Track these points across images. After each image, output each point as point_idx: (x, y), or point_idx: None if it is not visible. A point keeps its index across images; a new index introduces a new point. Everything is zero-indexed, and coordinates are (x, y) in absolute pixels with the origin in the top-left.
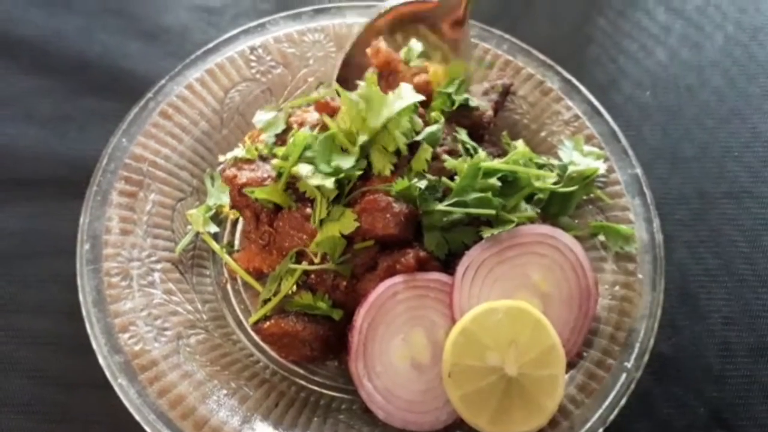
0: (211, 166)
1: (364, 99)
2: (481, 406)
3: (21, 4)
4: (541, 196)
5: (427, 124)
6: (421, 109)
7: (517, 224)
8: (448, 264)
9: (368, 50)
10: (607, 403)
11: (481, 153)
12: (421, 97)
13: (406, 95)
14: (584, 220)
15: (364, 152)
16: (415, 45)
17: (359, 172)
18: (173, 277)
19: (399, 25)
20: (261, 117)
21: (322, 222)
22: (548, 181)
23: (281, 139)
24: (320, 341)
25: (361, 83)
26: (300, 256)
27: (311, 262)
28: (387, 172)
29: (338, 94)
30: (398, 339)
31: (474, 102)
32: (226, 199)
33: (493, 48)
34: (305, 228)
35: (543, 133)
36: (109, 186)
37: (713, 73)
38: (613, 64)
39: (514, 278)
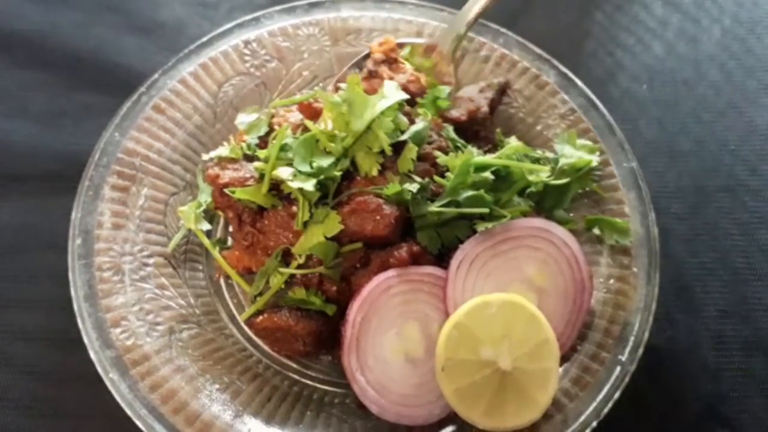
0: (204, 161)
1: (347, 102)
2: (474, 399)
3: None
4: (534, 189)
5: (413, 121)
6: (407, 107)
7: (511, 218)
8: (441, 258)
9: (374, 44)
10: (601, 396)
11: (471, 149)
12: (405, 96)
13: (389, 94)
14: (579, 214)
15: (346, 153)
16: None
17: (339, 173)
18: (166, 272)
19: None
20: (243, 119)
21: (306, 224)
22: (542, 175)
23: (264, 141)
24: (313, 336)
25: (343, 85)
26: (287, 255)
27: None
28: (374, 173)
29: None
30: (392, 333)
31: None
32: None
33: (489, 42)
34: (291, 226)
35: (539, 127)
36: (101, 180)
37: (710, 66)
38: (610, 57)
39: (508, 272)
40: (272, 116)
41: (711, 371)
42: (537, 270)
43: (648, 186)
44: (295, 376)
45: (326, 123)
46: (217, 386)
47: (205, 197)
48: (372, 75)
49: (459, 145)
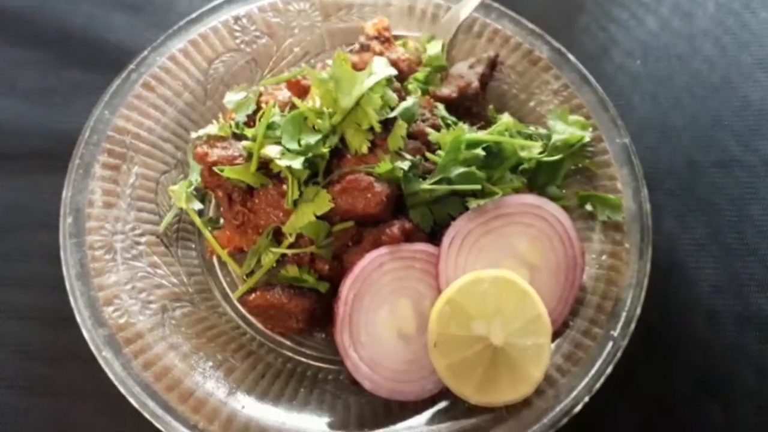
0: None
1: (334, 79)
2: (467, 375)
3: None
4: (527, 166)
5: (403, 98)
6: (396, 84)
7: (503, 194)
8: (434, 235)
9: (368, 23)
10: (593, 371)
11: (462, 125)
12: (394, 72)
13: (378, 70)
14: (572, 190)
15: (335, 130)
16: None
17: (327, 150)
18: (158, 250)
19: None
20: (231, 98)
21: (296, 203)
22: (534, 151)
23: (252, 119)
24: (306, 313)
25: (329, 62)
26: (278, 233)
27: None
28: (364, 150)
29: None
30: (384, 310)
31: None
32: None
33: (481, 17)
34: (281, 205)
35: (532, 103)
36: (91, 159)
37: (704, 41)
38: (603, 33)
39: (500, 248)
40: (260, 94)
41: (703, 346)
42: (529, 246)
43: (641, 162)
44: (289, 354)
45: (314, 100)
46: (210, 364)
47: (195, 176)
48: (363, 49)
49: (450, 122)
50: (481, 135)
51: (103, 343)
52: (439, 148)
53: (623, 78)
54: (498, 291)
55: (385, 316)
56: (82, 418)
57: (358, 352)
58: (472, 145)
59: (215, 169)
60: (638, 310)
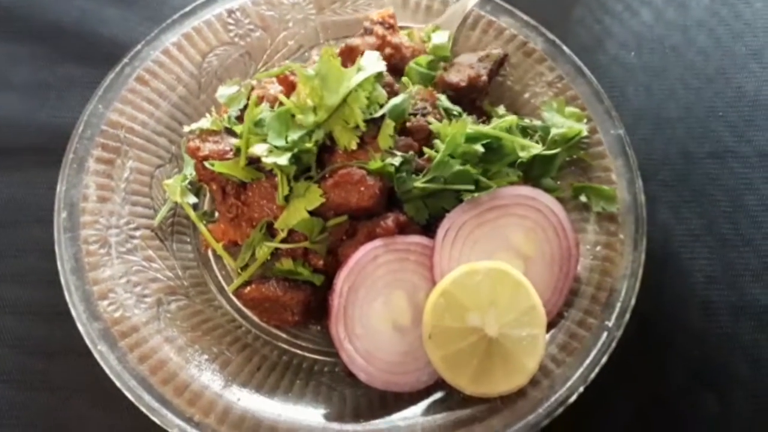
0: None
1: (320, 76)
2: (461, 366)
3: None
4: (523, 159)
5: (395, 93)
6: (388, 78)
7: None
8: (428, 227)
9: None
10: (587, 362)
11: (466, 117)
12: (383, 67)
13: (368, 65)
14: (566, 181)
15: (319, 126)
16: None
17: (311, 145)
18: (153, 244)
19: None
20: (224, 92)
21: (287, 198)
22: (533, 150)
23: (243, 114)
24: (301, 306)
25: (315, 57)
26: (272, 226)
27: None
28: (353, 146)
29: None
30: (379, 302)
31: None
32: None
33: (476, 8)
34: (275, 198)
35: (526, 95)
36: (85, 153)
37: (699, 32)
38: (598, 24)
39: (495, 240)
40: (252, 88)
41: (697, 337)
42: (523, 238)
43: (635, 153)
44: (284, 346)
45: (300, 95)
46: (206, 357)
47: (190, 170)
48: (367, 32)
49: (455, 113)
50: (485, 129)
51: (99, 337)
52: (436, 138)
53: (617, 69)
54: (492, 282)
55: (379, 308)
56: (78, 412)
57: (354, 344)
58: (472, 139)
59: (206, 163)
60: (633, 301)
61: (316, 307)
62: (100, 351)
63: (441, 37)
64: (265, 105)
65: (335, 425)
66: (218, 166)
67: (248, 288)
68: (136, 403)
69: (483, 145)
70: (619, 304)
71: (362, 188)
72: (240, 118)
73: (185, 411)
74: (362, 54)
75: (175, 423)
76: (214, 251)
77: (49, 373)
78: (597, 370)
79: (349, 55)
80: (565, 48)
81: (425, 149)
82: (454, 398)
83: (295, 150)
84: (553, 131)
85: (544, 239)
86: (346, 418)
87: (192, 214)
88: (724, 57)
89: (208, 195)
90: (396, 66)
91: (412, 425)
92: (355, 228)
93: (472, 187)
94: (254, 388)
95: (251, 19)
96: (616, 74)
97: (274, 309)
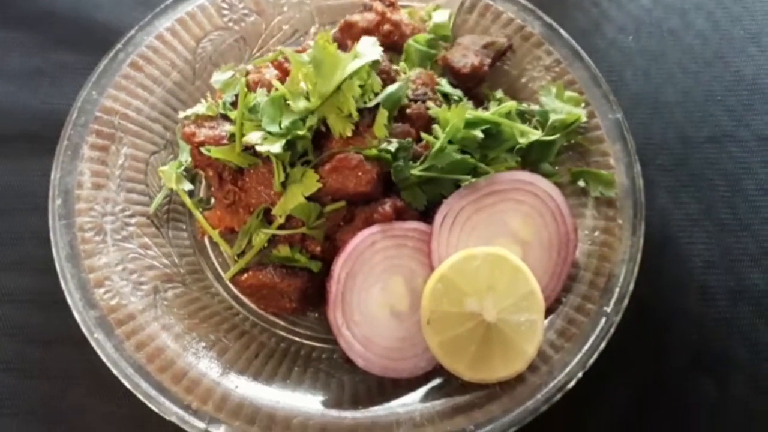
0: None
1: (315, 62)
2: (460, 352)
3: None
4: (521, 145)
5: (392, 80)
6: (386, 64)
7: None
8: (426, 212)
9: None
10: (586, 347)
11: (466, 103)
12: (379, 55)
13: (364, 52)
14: (564, 166)
15: (312, 111)
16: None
17: (306, 132)
18: (149, 231)
19: None
20: (219, 77)
21: (284, 184)
22: (532, 137)
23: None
24: (299, 292)
25: (311, 42)
26: (269, 213)
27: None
28: (348, 133)
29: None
30: (377, 288)
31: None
32: None
33: None
34: (272, 184)
35: (524, 79)
36: (79, 140)
37: (697, 16)
38: (595, 8)
39: (493, 225)
40: (247, 73)
41: (696, 321)
42: (521, 223)
43: (633, 137)
44: (282, 333)
45: (294, 81)
46: (203, 344)
47: (185, 156)
48: (366, 8)
49: (455, 98)
50: (484, 114)
51: (95, 325)
52: (435, 123)
53: (615, 53)
54: (490, 268)
55: (377, 294)
56: (75, 400)
57: (351, 331)
58: (471, 124)
59: (202, 149)
60: (631, 286)
61: (314, 293)
62: (97, 339)
63: (442, 16)
64: (260, 90)
65: (333, 412)
66: (215, 152)
67: (245, 275)
68: (134, 391)
69: (482, 131)
70: (617, 290)
71: (360, 173)
72: (235, 104)
73: (183, 398)
74: (361, 30)
75: (173, 410)
76: (210, 238)
77: (46, 361)
78: (596, 355)
79: (348, 31)
80: (562, 32)
81: (424, 135)
82: (452, 384)
83: (289, 137)
84: (552, 117)
85: (542, 224)
86: (345, 405)
87: (188, 201)
88: (722, 41)
89: (203, 182)
90: (395, 43)
91: (411, 411)
92: (352, 214)
93: (469, 177)
94: (252, 375)
95: (245, 3)
96: (614, 58)
97: (271, 296)
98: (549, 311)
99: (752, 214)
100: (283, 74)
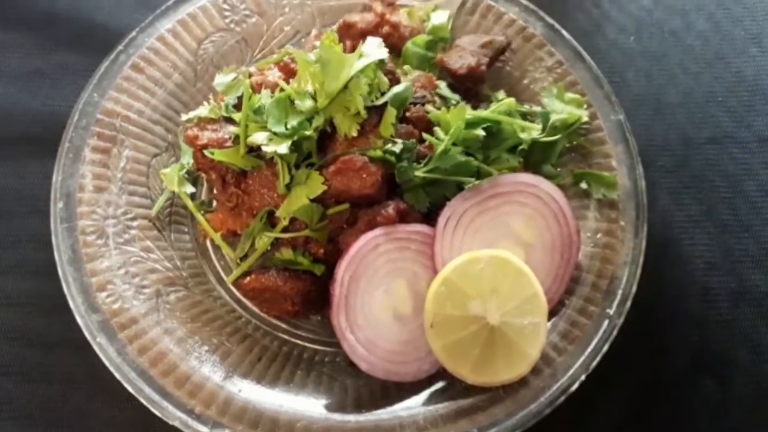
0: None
1: (321, 62)
2: (463, 355)
3: None
4: (524, 146)
5: (396, 80)
6: (391, 65)
7: (499, 174)
8: (429, 215)
9: None
10: (589, 349)
11: (464, 104)
12: (384, 55)
13: (370, 51)
14: (567, 168)
15: (318, 112)
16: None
17: (312, 132)
18: (151, 235)
19: None
20: (221, 80)
21: (288, 186)
22: (533, 133)
23: (241, 102)
24: (302, 296)
25: (317, 43)
26: (272, 216)
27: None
28: (353, 133)
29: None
30: (380, 291)
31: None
32: None
33: None
34: (276, 186)
35: (526, 81)
36: (81, 142)
37: (698, 17)
38: (596, 9)
39: (496, 228)
40: (250, 75)
41: (698, 323)
42: (524, 225)
43: (635, 139)
44: (285, 336)
45: (301, 81)
46: (206, 348)
47: (187, 159)
48: (366, 9)
49: (453, 101)
50: (484, 113)
51: (98, 329)
52: (437, 126)
53: (617, 54)
54: (494, 270)
55: (381, 297)
56: (77, 405)
57: (355, 334)
58: (472, 124)
59: (206, 152)
60: (634, 288)
61: (316, 296)
62: (99, 343)
63: (440, 18)
64: (265, 92)
65: (337, 416)
66: (218, 155)
67: (248, 278)
68: (137, 396)
69: (482, 130)
70: (620, 292)
71: (364, 175)
72: (237, 106)
73: (186, 403)
74: (360, 31)
75: (176, 415)
76: (212, 241)
77: (48, 365)
78: (599, 358)
79: (347, 32)
80: (564, 33)
81: (427, 137)
82: (455, 387)
83: (296, 137)
84: (553, 117)
85: (545, 227)
86: (348, 409)
87: (190, 203)
88: (723, 42)
89: (205, 184)
90: (394, 45)
91: (414, 415)
92: (355, 216)
93: (473, 179)
94: (255, 379)
95: (247, 4)
96: (616, 59)
97: (274, 299)
98: (552, 314)
99: (753, 215)
100: (288, 75)
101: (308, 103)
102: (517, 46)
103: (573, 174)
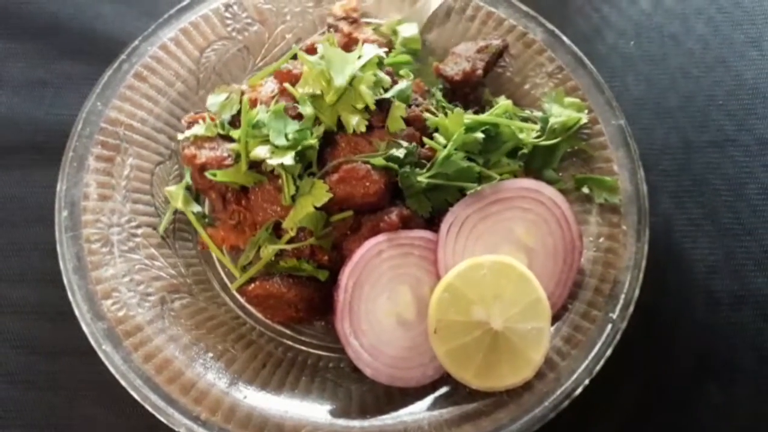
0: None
1: (326, 60)
2: (467, 360)
3: None
4: (525, 150)
5: (396, 82)
6: (389, 68)
7: (500, 179)
8: (432, 221)
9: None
10: (592, 354)
11: (460, 110)
12: (381, 53)
13: (367, 51)
14: (568, 173)
15: (319, 121)
16: None
17: (315, 141)
18: (155, 242)
19: None
20: (214, 100)
21: (294, 198)
22: (532, 133)
23: (237, 119)
24: (306, 302)
25: (320, 46)
26: (277, 227)
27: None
28: (362, 128)
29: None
30: (384, 297)
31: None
32: None
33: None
34: (279, 200)
35: (527, 86)
36: (85, 151)
37: (698, 21)
38: (596, 13)
39: (498, 233)
40: (242, 93)
41: (701, 327)
42: (527, 231)
43: (636, 143)
44: (289, 342)
45: (308, 83)
46: (211, 355)
47: (190, 176)
48: (331, 29)
49: (447, 108)
50: (481, 116)
51: (103, 337)
52: (436, 132)
53: (617, 59)
54: (497, 276)
55: (384, 303)
56: (83, 412)
57: (359, 340)
58: (471, 128)
59: (207, 174)
60: (636, 292)
61: (320, 303)
62: (105, 351)
63: (409, 30)
64: (261, 107)
65: (341, 421)
66: (221, 176)
67: (252, 285)
68: (142, 403)
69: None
70: (623, 296)
71: (368, 183)
72: (233, 123)
73: (192, 410)
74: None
75: (182, 422)
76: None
77: (54, 373)
78: (602, 362)
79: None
80: (564, 38)
81: (427, 141)
82: (460, 392)
83: (299, 148)
84: (552, 120)
85: (548, 232)
86: (353, 414)
87: (194, 220)
88: (723, 45)
89: (207, 199)
90: None
91: (419, 420)
92: (359, 222)
93: (475, 185)
94: (260, 385)
95: (248, 12)
96: (616, 64)
97: (278, 306)
98: (555, 318)
99: (755, 218)
100: (286, 81)
101: (309, 110)
102: (517, 51)
103: (575, 179)
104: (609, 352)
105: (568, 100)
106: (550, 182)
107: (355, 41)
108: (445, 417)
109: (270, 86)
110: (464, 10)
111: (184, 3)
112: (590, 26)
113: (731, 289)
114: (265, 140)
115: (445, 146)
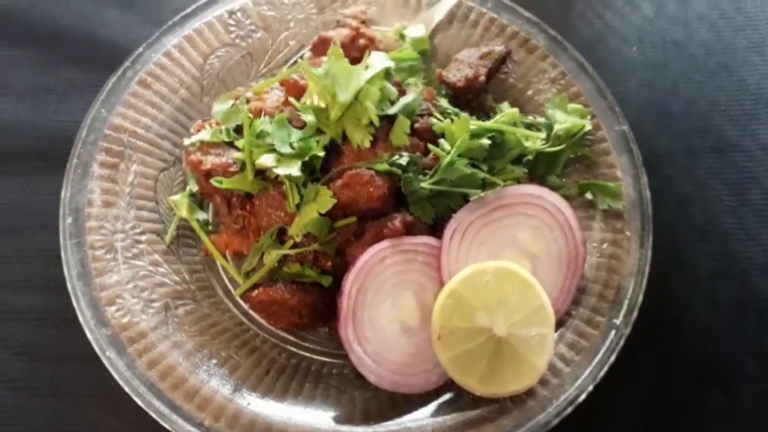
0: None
1: (331, 74)
2: (471, 366)
3: None
4: (529, 157)
5: (403, 92)
6: (397, 77)
7: (504, 185)
8: (435, 227)
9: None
10: (596, 360)
11: (466, 115)
12: (391, 63)
13: (375, 63)
14: (572, 179)
15: (329, 127)
16: None
17: (319, 150)
18: (159, 249)
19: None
20: (218, 108)
21: (298, 206)
22: (537, 141)
23: (241, 127)
24: (309, 308)
25: (325, 59)
26: (281, 233)
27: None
28: (366, 144)
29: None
30: (387, 303)
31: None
32: None
33: (477, 6)
34: (283, 206)
35: (530, 92)
36: (89, 158)
37: (700, 26)
38: (599, 19)
39: (502, 239)
40: (248, 101)
41: (704, 332)
42: (530, 237)
43: (639, 149)
44: (293, 349)
45: (312, 96)
46: (214, 361)
47: (193, 184)
48: (340, 25)
49: (452, 113)
50: (487, 123)
51: (107, 343)
52: (442, 137)
53: (619, 65)
54: (500, 282)
55: (388, 309)
56: (87, 418)
57: (363, 347)
58: (476, 135)
59: (213, 182)
60: (640, 298)
61: (324, 309)
62: (109, 357)
63: (418, 31)
64: (265, 118)
65: (345, 428)
66: (227, 183)
67: (256, 291)
68: (147, 409)
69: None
70: (626, 302)
71: (371, 189)
72: (238, 130)
73: (195, 416)
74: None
75: (186, 428)
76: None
77: (58, 379)
78: (606, 368)
79: (322, 48)
80: (567, 44)
81: (432, 148)
82: (463, 399)
83: (306, 158)
84: (557, 127)
85: (552, 238)
86: (356, 421)
87: (197, 227)
88: (725, 51)
89: (211, 205)
90: None
91: (422, 427)
92: (362, 228)
93: (479, 191)
94: (264, 391)
95: (252, 19)
96: (618, 69)
97: (281, 312)
98: (559, 324)
99: (758, 223)
100: (295, 93)
101: (311, 118)
102: (520, 58)
103: (578, 185)
104: (613, 358)
105: (572, 106)
106: (553, 188)
107: (363, 36)
108: (448, 423)
109: (275, 95)
110: (467, 17)
111: (187, 10)
112: (593, 32)
113: (735, 295)
114: (270, 149)
115: (448, 152)
